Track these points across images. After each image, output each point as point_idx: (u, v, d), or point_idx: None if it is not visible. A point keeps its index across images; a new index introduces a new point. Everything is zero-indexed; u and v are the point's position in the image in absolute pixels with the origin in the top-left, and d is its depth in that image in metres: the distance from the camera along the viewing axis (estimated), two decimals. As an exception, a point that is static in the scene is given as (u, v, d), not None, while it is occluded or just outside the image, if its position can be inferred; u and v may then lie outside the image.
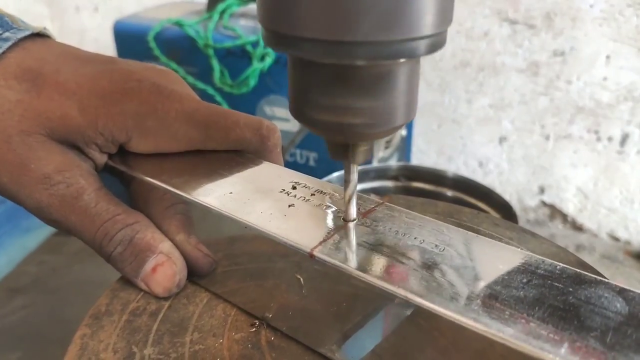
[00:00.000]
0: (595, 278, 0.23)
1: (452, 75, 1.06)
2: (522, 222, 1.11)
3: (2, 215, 0.55)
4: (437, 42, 0.21)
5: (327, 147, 0.26)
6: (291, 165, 1.01)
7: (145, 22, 1.03)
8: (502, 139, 1.08)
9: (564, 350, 0.20)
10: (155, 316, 0.29)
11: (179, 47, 0.99)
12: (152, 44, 0.96)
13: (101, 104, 0.30)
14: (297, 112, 0.24)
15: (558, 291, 0.22)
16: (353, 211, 0.28)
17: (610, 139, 0.98)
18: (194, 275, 0.31)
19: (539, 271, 0.24)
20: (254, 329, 0.29)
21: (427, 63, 1.06)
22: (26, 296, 0.90)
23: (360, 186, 0.71)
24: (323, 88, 0.23)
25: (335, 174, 0.71)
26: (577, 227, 1.08)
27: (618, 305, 0.22)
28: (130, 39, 1.04)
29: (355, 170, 0.27)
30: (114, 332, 0.28)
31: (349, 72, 0.22)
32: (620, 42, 0.91)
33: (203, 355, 0.27)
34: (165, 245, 0.30)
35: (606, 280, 0.23)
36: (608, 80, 0.94)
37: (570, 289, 0.23)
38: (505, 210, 0.62)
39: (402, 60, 0.21)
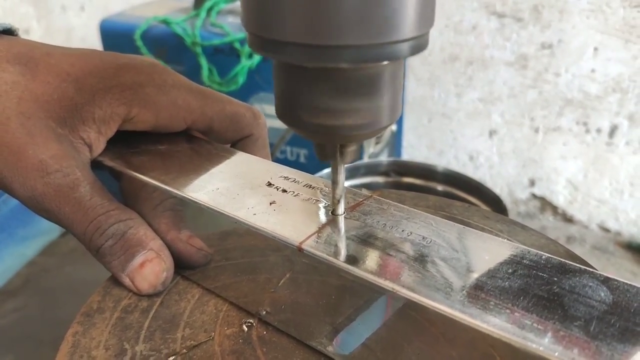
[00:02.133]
0: (580, 267, 0.23)
1: (442, 69, 1.07)
2: (513, 215, 1.12)
3: None
4: (420, 44, 0.21)
5: (315, 149, 0.26)
6: (282, 162, 1.00)
7: (132, 21, 1.02)
8: (492, 133, 1.08)
9: (547, 339, 0.20)
10: (147, 313, 0.29)
11: (166, 45, 0.98)
12: (139, 43, 0.96)
13: (96, 81, 0.30)
14: (283, 114, 0.24)
15: (543, 281, 0.23)
16: (342, 209, 0.28)
17: (599, 130, 0.99)
18: (189, 267, 0.31)
19: (524, 261, 0.24)
20: (246, 328, 0.29)
21: (416, 58, 1.06)
22: (18, 298, 0.90)
23: (351, 182, 0.71)
24: (308, 91, 0.23)
25: (326, 170, 0.71)
26: (568, 219, 1.08)
27: (602, 294, 0.22)
28: (117, 38, 1.03)
29: (342, 170, 0.27)
30: (106, 330, 0.28)
31: (334, 75, 0.22)
32: (608, 34, 0.91)
33: (194, 351, 0.27)
34: (157, 243, 0.29)
35: (591, 269, 0.23)
36: (596, 72, 0.95)
37: (555, 279, 0.23)
38: (496, 204, 0.63)
39: (385, 62, 0.21)
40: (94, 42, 1.48)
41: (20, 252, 0.58)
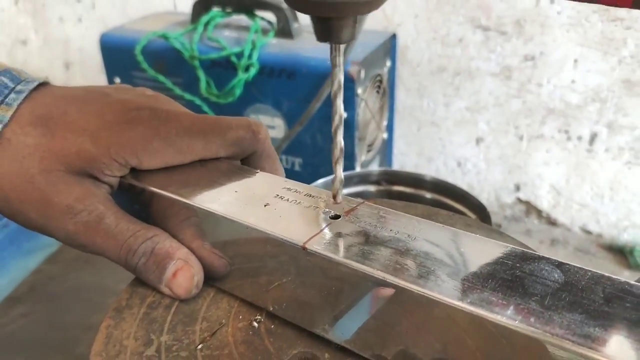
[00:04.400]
0: (538, 255, 0.28)
1: (430, 80, 1.11)
2: (499, 219, 1.17)
3: (5, 238, 0.58)
4: None
5: (314, 29, 0.28)
6: (278, 170, 1.04)
7: (131, 35, 1.05)
8: (478, 140, 1.13)
9: (509, 311, 0.24)
10: (169, 309, 0.34)
11: (165, 59, 1.02)
12: (140, 58, 0.99)
13: (110, 134, 0.34)
14: None
15: (507, 267, 0.27)
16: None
17: (579, 138, 1.04)
18: (212, 278, 0.35)
19: (493, 252, 0.29)
20: (255, 323, 0.33)
21: (405, 69, 1.11)
22: (25, 305, 0.93)
23: (344, 191, 0.75)
24: None
25: (321, 180, 0.75)
26: (552, 222, 1.13)
27: (556, 275, 0.26)
28: (117, 52, 1.07)
29: (341, 53, 0.29)
30: (134, 323, 0.32)
31: None
32: (587, 47, 0.96)
33: (211, 341, 0.31)
34: (183, 252, 0.33)
35: (547, 256, 0.28)
36: (576, 83, 0.99)
37: (517, 265, 0.27)
38: (480, 211, 0.67)
39: None
40: (91, 52, 1.51)
41: (24, 264, 0.62)
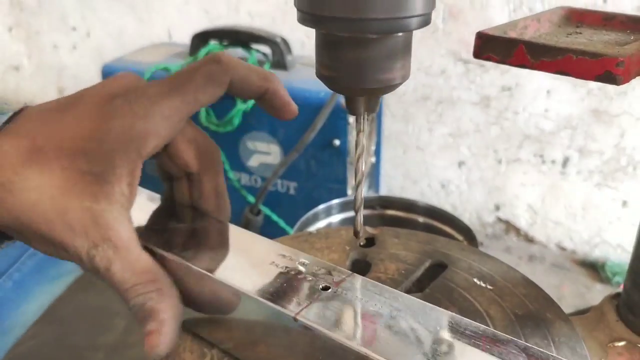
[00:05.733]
0: (507, 338, 0.32)
1: (415, 107, 1.19)
2: (481, 237, 1.24)
3: (33, 266, 0.62)
4: (426, 20, 0.31)
5: (346, 105, 0.34)
6: (273, 193, 1.10)
7: (133, 67, 1.11)
8: (460, 163, 1.21)
9: None
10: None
11: (167, 90, 1.07)
12: (144, 89, 1.05)
13: (103, 145, 0.33)
14: (323, 77, 0.34)
15: (479, 348, 0.31)
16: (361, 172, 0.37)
17: (553, 161, 1.12)
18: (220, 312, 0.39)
19: (466, 332, 0.33)
20: None
21: (392, 97, 1.18)
22: (34, 327, 0.96)
23: (344, 215, 0.82)
24: (341, 55, 0.32)
25: (312, 212, 0.80)
26: (529, 240, 1.21)
27: (521, 358, 0.31)
28: (119, 82, 1.12)
29: (365, 121, 0.35)
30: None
31: (363, 43, 0.31)
32: (559, 80, 1.05)
33: None
34: (165, 314, 0.34)
35: (515, 339, 0.32)
36: (549, 112, 1.08)
37: (488, 347, 0.32)
38: (466, 233, 0.74)
39: (400, 34, 0.31)
40: (86, 79, 1.56)
41: (51, 289, 0.66)
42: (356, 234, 0.39)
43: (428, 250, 0.50)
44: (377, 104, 0.35)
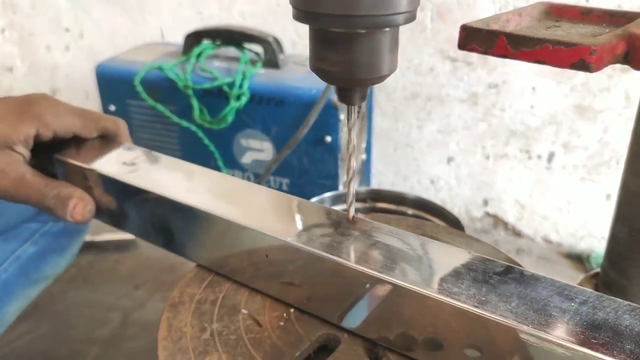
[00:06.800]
0: (500, 262, 0.37)
1: (404, 105, 1.21)
2: (470, 231, 1.27)
3: (17, 269, 0.67)
4: (410, 17, 0.34)
5: (337, 93, 0.38)
6: (266, 190, 1.12)
7: (127, 66, 1.13)
8: (449, 159, 1.23)
9: (477, 302, 0.33)
10: (215, 303, 0.42)
11: (161, 88, 1.09)
12: (139, 88, 1.07)
13: (15, 117, 0.48)
14: (318, 69, 0.37)
15: (477, 272, 0.36)
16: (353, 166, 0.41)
17: (539, 157, 1.15)
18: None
19: (464, 258, 0.38)
20: (285, 314, 0.41)
21: (382, 95, 1.21)
22: (29, 322, 0.98)
23: (336, 208, 0.84)
24: (333, 49, 0.35)
25: (314, 199, 0.83)
26: (517, 233, 1.24)
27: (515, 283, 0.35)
28: (113, 81, 1.13)
29: (354, 111, 0.39)
30: (188, 315, 0.40)
31: (353, 37, 0.34)
32: (544, 77, 1.08)
33: (252, 327, 0.39)
34: (78, 193, 0.49)
35: (512, 264, 0.37)
36: (535, 108, 1.11)
37: (484, 268, 0.36)
38: (455, 224, 0.76)
39: (387, 29, 0.34)
40: (78, 79, 1.57)
41: (29, 292, 0.71)
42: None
43: (417, 233, 0.53)
44: (367, 94, 0.38)
